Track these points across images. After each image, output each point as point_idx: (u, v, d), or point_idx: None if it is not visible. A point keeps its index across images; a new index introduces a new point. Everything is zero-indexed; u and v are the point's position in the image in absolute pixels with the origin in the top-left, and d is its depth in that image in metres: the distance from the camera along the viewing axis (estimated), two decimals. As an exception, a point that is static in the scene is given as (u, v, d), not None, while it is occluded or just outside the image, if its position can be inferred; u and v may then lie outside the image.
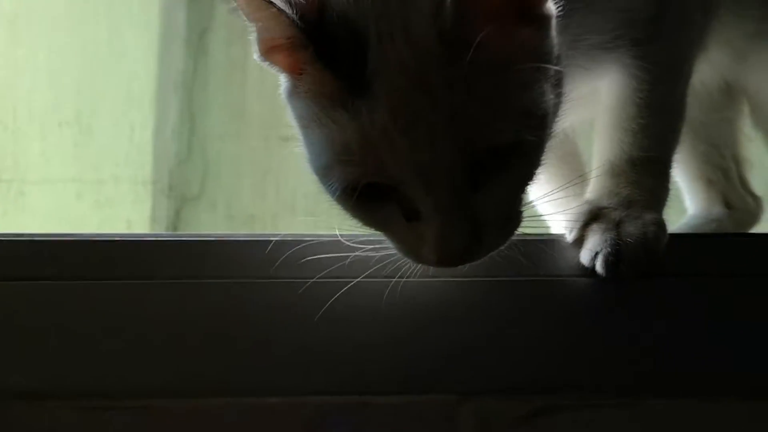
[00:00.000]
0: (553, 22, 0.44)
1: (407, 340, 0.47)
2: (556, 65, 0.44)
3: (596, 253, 0.50)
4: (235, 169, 1.38)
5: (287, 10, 0.38)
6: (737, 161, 0.79)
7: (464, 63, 0.37)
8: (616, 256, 0.48)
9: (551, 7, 0.43)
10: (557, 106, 0.45)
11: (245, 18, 0.42)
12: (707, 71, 0.72)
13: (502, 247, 0.44)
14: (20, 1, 1.40)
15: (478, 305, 0.48)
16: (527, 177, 0.45)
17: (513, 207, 0.45)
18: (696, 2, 0.58)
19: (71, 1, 1.41)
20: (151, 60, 1.39)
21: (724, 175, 0.78)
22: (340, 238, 0.47)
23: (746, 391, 0.50)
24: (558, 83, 0.44)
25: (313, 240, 0.48)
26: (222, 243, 0.51)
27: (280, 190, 1.33)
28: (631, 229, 0.50)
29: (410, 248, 0.43)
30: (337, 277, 0.46)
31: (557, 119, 0.46)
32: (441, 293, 0.48)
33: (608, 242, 0.49)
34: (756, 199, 0.80)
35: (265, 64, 0.44)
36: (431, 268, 0.44)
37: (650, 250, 0.50)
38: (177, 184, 1.35)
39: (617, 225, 0.50)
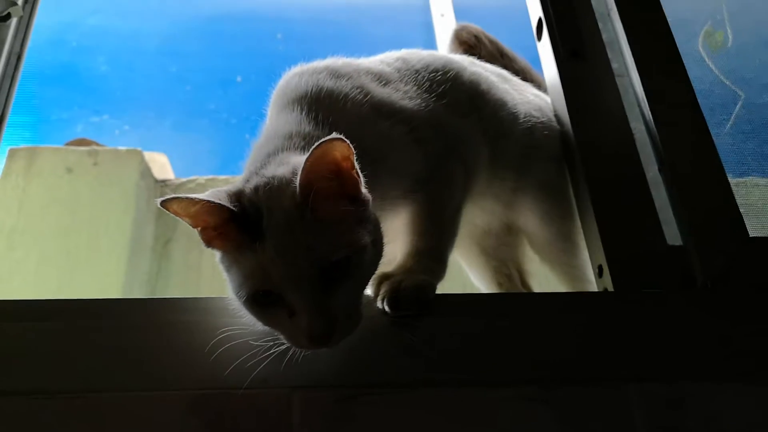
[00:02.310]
0: (369, 199, 0.64)
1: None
2: (370, 220, 0.64)
3: (383, 299, 0.68)
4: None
5: (228, 205, 0.60)
6: (520, 271, 1.06)
7: (311, 221, 0.59)
8: (395, 300, 0.68)
9: (366, 193, 0.64)
10: (376, 241, 0.64)
11: (190, 225, 0.62)
12: (487, 216, 1.01)
13: (351, 334, 0.61)
14: (18, 215, 1.63)
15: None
16: (360, 285, 0.64)
17: (356, 305, 0.62)
18: (457, 169, 0.83)
19: (59, 216, 1.64)
20: (122, 263, 1.59)
21: (509, 280, 1.05)
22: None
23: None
24: (376, 228, 0.65)
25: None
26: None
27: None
28: (407, 283, 0.69)
29: (292, 337, 0.61)
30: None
31: (380, 248, 0.65)
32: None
33: (389, 291, 0.69)
34: None
35: (209, 249, 0.64)
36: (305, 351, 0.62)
37: (420, 297, 0.69)
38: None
39: (399, 283, 0.69)
